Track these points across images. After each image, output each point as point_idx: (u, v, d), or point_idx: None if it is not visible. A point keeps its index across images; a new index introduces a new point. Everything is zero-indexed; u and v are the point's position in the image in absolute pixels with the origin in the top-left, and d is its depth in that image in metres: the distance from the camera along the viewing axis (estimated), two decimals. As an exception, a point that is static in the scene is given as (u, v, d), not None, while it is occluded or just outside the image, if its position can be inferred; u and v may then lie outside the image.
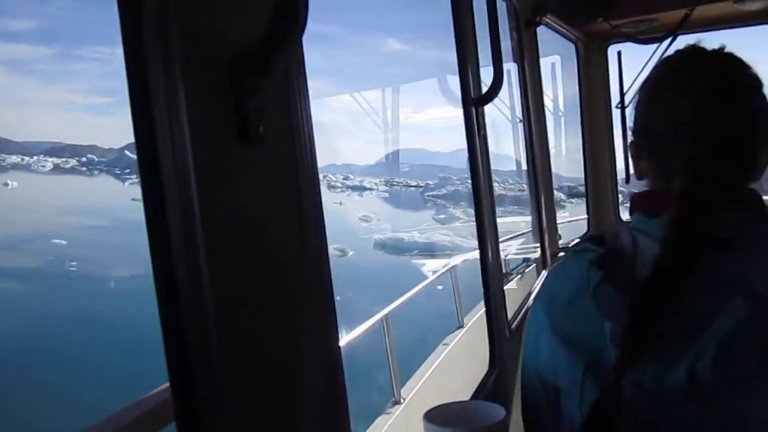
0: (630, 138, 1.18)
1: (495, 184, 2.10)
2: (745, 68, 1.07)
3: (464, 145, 3.09)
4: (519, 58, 2.85)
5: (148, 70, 0.64)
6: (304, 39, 0.80)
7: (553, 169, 3.15)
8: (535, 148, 2.86)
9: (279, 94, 0.85)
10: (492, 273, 1.90)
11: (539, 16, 2.98)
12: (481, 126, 1.80)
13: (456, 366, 4.18)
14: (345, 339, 3.63)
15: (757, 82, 1.07)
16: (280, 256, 0.85)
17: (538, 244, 2.92)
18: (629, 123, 1.19)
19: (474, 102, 1.76)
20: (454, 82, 1.77)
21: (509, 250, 3.85)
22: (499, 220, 1.92)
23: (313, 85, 0.93)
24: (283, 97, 0.85)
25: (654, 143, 1.11)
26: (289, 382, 0.84)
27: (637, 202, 1.13)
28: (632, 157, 1.16)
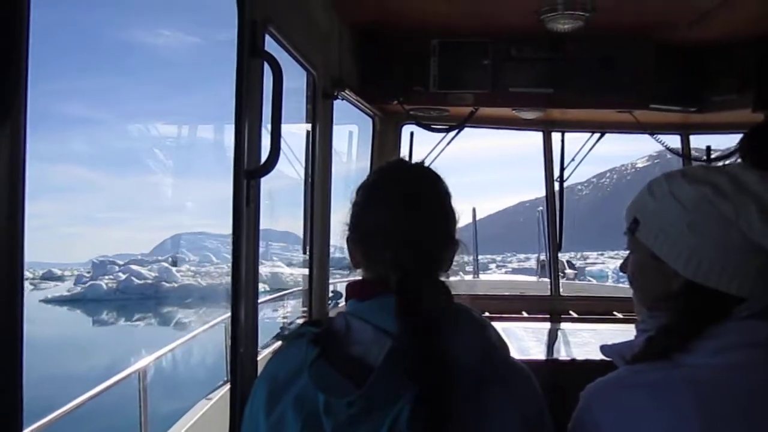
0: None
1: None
2: (435, 182, 1.31)
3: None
4: (312, 127, 2.93)
5: None
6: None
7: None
8: (315, 214, 2.92)
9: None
10: (243, 339, 1.88)
11: (338, 90, 3.10)
12: (252, 199, 1.80)
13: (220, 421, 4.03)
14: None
15: (442, 193, 1.30)
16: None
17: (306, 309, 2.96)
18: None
19: (246, 174, 1.76)
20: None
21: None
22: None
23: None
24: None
25: (366, 239, 1.29)
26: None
27: (349, 290, 1.29)
28: (348, 248, 1.33)
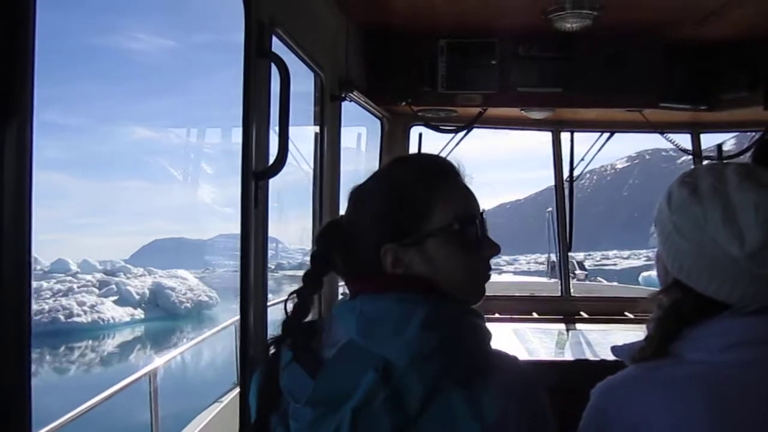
0: None
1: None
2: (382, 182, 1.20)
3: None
4: (320, 128, 2.92)
5: None
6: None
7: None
8: (323, 217, 2.92)
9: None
10: (252, 342, 1.88)
11: (345, 92, 3.10)
12: (260, 200, 1.80)
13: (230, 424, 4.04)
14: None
15: (384, 191, 1.17)
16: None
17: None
18: None
19: (254, 176, 1.76)
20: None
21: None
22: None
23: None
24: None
25: None
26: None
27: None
28: None
